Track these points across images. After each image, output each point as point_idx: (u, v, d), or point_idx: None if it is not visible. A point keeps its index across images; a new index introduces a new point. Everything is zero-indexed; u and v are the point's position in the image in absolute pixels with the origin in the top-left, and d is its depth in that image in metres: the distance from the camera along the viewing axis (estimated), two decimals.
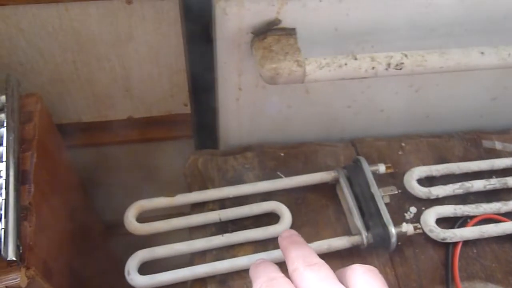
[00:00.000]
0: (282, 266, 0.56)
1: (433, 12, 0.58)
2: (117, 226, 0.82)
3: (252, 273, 0.42)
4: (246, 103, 0.64)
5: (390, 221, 0.57)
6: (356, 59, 0.53)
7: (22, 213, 0.46)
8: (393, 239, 0.56)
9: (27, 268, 0.44)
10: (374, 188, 0.60)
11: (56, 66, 0.61)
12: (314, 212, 0.63)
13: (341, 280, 0.38)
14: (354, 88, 0.66)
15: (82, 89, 0.65)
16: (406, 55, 0.54)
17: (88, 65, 0.62)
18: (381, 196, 0.59)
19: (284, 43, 0.54)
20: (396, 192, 0.61)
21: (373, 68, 0.54)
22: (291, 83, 0.53)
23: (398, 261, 0.59)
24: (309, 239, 0.58)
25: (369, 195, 0.60)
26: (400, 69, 0.54)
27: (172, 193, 0.61)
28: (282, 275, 0.40)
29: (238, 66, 0.59)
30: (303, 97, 0.65)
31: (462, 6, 0.58)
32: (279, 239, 0.44)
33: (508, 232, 0.61)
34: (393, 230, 0.56)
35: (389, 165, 0.64)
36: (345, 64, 0.53)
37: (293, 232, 0.45)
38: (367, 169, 0.61)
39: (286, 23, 0.55)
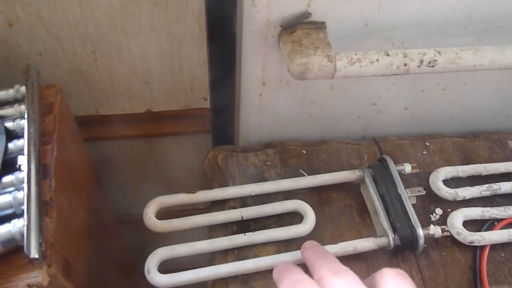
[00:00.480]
0: (305, 267, 0.55)
1: (466, 7, 0.56)
2: (132, 221, 0.81)
3: (276, 276, 0.41)
4: (269, 98, 0.63)
5: (418, 222, 0.55)
6: (388, 55, 0.51)
7: (43, 209, 0.44)
8: (421, 241, 0.55)
9: (49, 266, 0.43)
10: (401, 188, 0.58)
11: (75, 57, 0.59)
12: (337, 212, 0.61)
13: (370, 285, 0.37)
14: (380, 85, 0.64)
15: (101, 81, 0.63)
16: (439, 52, 0.52)
17: (108, 56, 0.60)
18: (408, 197, 0.58)
19: (314, 37, 0.52)
20: (424, 193, 0.59)
21: (405, 64, 0.52)
22: (321, 78, 0.51)
23: (425, 264, 0.57)
24: (332, 240, 0.57)
25: (395, 195, 0.58)
26: (433, 66, 0.53)
27: (193, 190, 0.59)
28: (307, 276, 0.39)
29: (263, 60, 0.57)
30: (327, 93, 0.64)
31: (495, 2, 0.56)
32: (302, 250, 0.44)
33: None
34: (421, 232, 0.55)
35: (415, 165, 0.62)
36: (377, 60, 0.51)
37: (315, 242, 0.45)
38: (393, 168, 0.60)
39: (316, 16, 0.53)
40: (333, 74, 0.51)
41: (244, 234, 0.56)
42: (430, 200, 0.63)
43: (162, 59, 0.62)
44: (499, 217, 0.61)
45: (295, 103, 0.65)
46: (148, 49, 0.60)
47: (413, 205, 0.60)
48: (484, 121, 0.73)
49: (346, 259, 0.57)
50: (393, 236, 0.55)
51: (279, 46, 0.54)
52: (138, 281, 0.77)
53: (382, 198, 0.58)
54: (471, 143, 0.70)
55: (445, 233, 0.57)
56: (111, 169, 0.79)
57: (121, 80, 0.64)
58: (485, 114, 0.73)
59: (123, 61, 0.61)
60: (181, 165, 0.81)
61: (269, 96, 0.62)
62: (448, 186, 0.63)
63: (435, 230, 0.56)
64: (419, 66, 0.52)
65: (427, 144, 0.69)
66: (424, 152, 0.68)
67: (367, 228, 0.60)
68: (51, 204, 0.46)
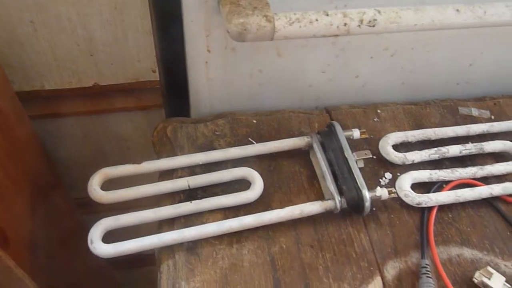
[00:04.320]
0: (253, 232, 0.54)
1: None
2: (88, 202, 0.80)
3: None
4: (216, 66, 0.62)
5: (364, 184, 0.55)
6: (327, 15, 0.51)
7: None
8: (367, 203, 0.55)
9: None
10: (347, 152, 0.58)
11: (12, 27, 0.58)
12: (287, 178, 0.61)
13: None
14: (327, 51, 0.63)
15: (43, 53, 0.61)
16: (379, 11, 0.52)
17: (48, 26, 0.58)
18: (355, 160, 0.58)
19: None
20: (370, 156, 0.59)
21: (345, 24, 0.52)
22: (260, 40, 0.51)
23: (373, 226, 0.58)
24: (281, 205, 0.57)
25: (342, 159, 0.58)
26: (373, 26, 0.52)
27: (138, 160, 0.58)
28: None
29: (206, 25, 0.56)
30: (275, 60, 0.63)
31: None
32: None
33: (483, 196, 0.60)
34: (366, 194, 0.55)
35: (364, 130, 0.62)
36: (316, 20, 0.51)
37: None
38: (341, 133, 0.60)
39: None
40: (272, 35, 0.50)
41: (191, 202, 0.55)
42: (380, 165, 0.63)
43: (105, 28, 0.60)
44: (447, 179, 0.61)
45: (244, 72, 0.64)
46: (89, 18, 0.59)
47: (362, 170, 0.61)
48: (436, 89, 0.74)
49: (295, 223, 0.56)
50: (339, 199, 0.55)
51: (219, 9, 0.53)
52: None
53: (330, 163, 0.58)
54: (422, 110, 0.71)
55: (392, 195, 0.57)
56: (64, 147, 0.78)
57: (64, 52, 0.62)
58: (437, 82, 0.73)
59: (64, 31, 0.60)
60: (136, 143, 0.80)
61: (215, 64, 0.62)
62: (399, 151, 0.63)
63: (381, 192, 0.56)
64: (359, 26, 0.52)
65: (379, 111, 0.69)
66: (375, 119, 0.68)
67: (316, 193, 0.59)
68: None
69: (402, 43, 0.65)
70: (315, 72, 0.66)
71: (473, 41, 0.68)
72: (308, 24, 0.51)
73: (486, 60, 0.71)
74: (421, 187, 0.61)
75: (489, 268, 0.53)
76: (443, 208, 0.60)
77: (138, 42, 0.63)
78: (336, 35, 0.52)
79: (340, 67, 0.66)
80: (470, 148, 0.64)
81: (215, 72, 0.63)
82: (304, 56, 0.63)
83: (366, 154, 0.59)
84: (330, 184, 0.56)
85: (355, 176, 0.56)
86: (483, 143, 0.64)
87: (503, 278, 0.52)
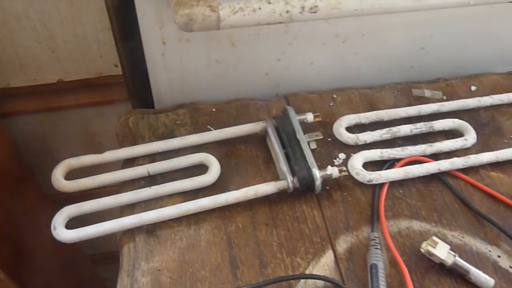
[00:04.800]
0: (211, 213, 0.57)
1: None
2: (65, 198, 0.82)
3: None
4: (173, 58, 0.64)
5: (315, 164, 0.58)
6: (270, 3, 0.54)
7: None
8: (318, 182, 0.58)
9: None
10: (300, 134, 0.61)
11: None
12: (244, 162, 0.63)
13: None
14: (280, 39, 0.66)
15: (4, 51, 0.64)
16: None
17: (7, 24, 0.61)
18: (307, 142, 0.60)
19: None
20: (321, 137, 0.62)
21: (287, 11, 0.54)
22: (207, 29, 0.53)
23: (327, 204, 0.60)
24: (237, 188, 0.59)
25: (295, 141, 0.60)
26: (315, 12, 0.55)
27: (100, 150, 0.61)
28: None
29: (158, 18, 0.59)
30: (230, 50, 0.66)
31: None
32: None
33: (432, 171, 0.63)
34: (317, 173, 0.57)
35: (318, 114, 0.65)
36: (259, 8, 0.53)
37: None
38: (294, 117, 0.62)
39: None
40: (218, 24, 0.53)
41: (150, 187, 0.58)
42: (334, 146, 0.66)
43: (64, 25, 0.63)
44: (397, 157, 0.64)
45: (201, 63, 0.66)
46: (48, 16, 0.61)
47: (316, 150, 0.64)
48: (391, 73, 0.77)
49: (251, 204, 0.59)
50: (291, 178, 0.58)
51: (168, 1, 0.56)
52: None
53: (284, 145, 0.61)
54: (377, 93, 0.73)
55: (343, 173, 0.60)
56: (35, 144, 0.80)
57: (26, 49, 0.65)
58: (391, 66, 0.76)
59: (24, 29, 0.62)
60: (107, 137, 0.83)
61: (172, 55, 0.64)
62: (353, 133, 0.66)
63: (332, 171, 0.59)
64: (301, 12, 0.55)
65: (335, 96, 0.72)
66: (331, 104, 0.71)
67: (272, 175, 0.62)
68: None
69: (352, 30, 0.68)
70: (271, 60, 0.69)
71: (421, 26, 0.71)
72: (251, 13, 0.53)
73: (437, 43, 0.74)
74: (374, 166, 0.64)
75: (435, 238, 0.55)
76: (395, 184, 0.63)
77: (98, 38, 0.65)
78: (281, 22, 0.55)
79: (294, 55, 0.69)
80: (420, 127, 0.67)
81: (173, 64, 0.65)
82: (258, 45, 0.66)
83: (317, 135, 0.62)
84: (282, 165, 0.59)
85: (306, 157, 0.59)
86: (433, 122, 0.67)
87: (448, 247, 0.55)
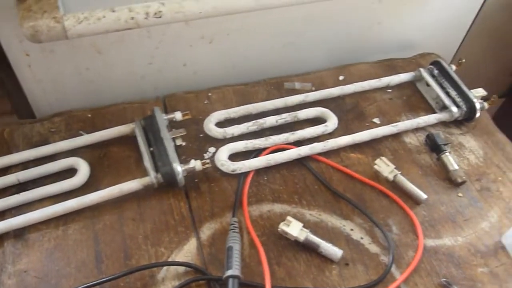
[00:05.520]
0: (80, 214, 0.59)
1: None
2: None
3: None
4: (40, 69, 0.67)
5: (176, 159, 0.62)
6: (114, 11, 0.57)
7: None
8: (180, 176, 0.61)
9: None
10: (163, 132, 0.64)
11: None
12: (116, 163, 0.66)
13: None
14: (146, 44, 0.70)
15: None
16: (163, 4, 0.59)
17: None
18: (171, 139, 0.64)
19: (44, 3, 0.57)
20: (185, 133, 0.65)
21: (132, 18, 0.58)
22: (56, 39, 0.56)
23: (194, 196, 0.64)
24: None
25: (160, 139, 0.64)
26: (160, 17, 0.59)
27: None
28: None
29: (15, 32, 0.61)
30: (97, 58, 0.69)
31: None
32: None
33: (293, 157, 0.68)
34: (178, 168, 0.61)
35: (187, 112, 0.69)
36: (104, 17, 0.57)
37: None
38: (160, 116, 0.66)
39: None
40: (65, 34, 0.56)
41: (19, 194, 0.60)
42: (206, 141, 0.70)
43: None
44: (262, 146, 0.69)
45: (70, 71, 0.69)
46: None
47: (188, 147, 0.68)
48: (266, 69, 0.81)
49: (119, 202, 0.62)
50: (155, 174, 0.61)
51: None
52: None
53: (150, 144, 0.64)
54: (251, 89, 0.78)
55: (206, 166, 0.63)
56: None
57: None
58: (266, 62, 0.81)
59: None
60: None
61: (39, 66, 0.67)
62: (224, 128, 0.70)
63: (195, 164, 0.63)
64: (146, 18, 0.58)
65: (210, 94, 0.76)
66: (205, 102, 0.75)
67: (143, 173, 0.65)
68: None
69: (215, 31, 0.72)
70: (142, 64, 0.72)
71: (284, 23, 0.76)
72: (97, 21, 0.57)
73: (304, 38, 0.79)
74: (244, 156, 0.68)
75: (289, 218, 0.60)
76: (260, 172, 0.67)
77: None
78: (129, 29, 0.58)
79: (165, 58, 0.73)
80: (285, 117, 0.72)
81: (42, 74, 0.68)
82: (125, 50, 0.69)
83: (181, 132, 0.66)
84: (146, 162, 0.62)
85: (169, 153, 0.62)
86: (297, 112, 0.73)
87: (301, 224, 0.59)
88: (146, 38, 0.68)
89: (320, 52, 0.83)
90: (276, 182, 0.66)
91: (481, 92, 0.76)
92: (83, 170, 0.63)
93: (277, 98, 0.76)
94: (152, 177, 0.61)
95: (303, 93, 0.77)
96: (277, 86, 0.79)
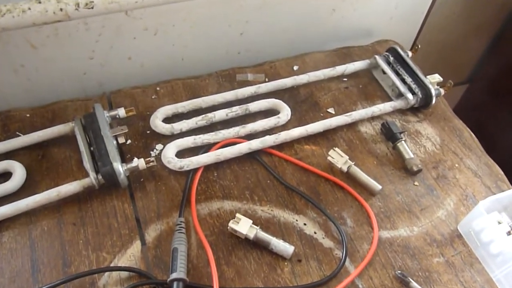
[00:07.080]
0: (15, 220, 0.55)
1: None
2: None
3: None
4: None
5: (117, 158, 0.58)
6: (40, 2, 0.53)
7: None
8: (122, 176, 0.58)
9: None
10: (104, 130, 0.61)
11: None
12: (55, 165, 0.63)
13: None
14: (85, 37, 0.66)
15: None
16: None
17: None
18: (112, 137, 0.61)
19: None
20: (127, 130, 0.62)
21: (61, 9, 0.54)
22: None
23: (139, 196, 0.61)
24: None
25: (100, 138, 0.60)
26: (92, 8, 0.55)
27: None
28: None
29: None
30: (33, 54, 0.65)
31: None
32: None
33: (243, 151, 0.65)
34: (119, 167, 0.58)
35: (131, 108, 0.65)
36: (29, 9, 0.53)
37: None
38: (100, 113, 0.62)
39: None
40: None
41: None
42: (153, 138, 0.67)
43: None
44: (212, 141, 0.66)
45: (5, 69, 0.65)
46: None
47: (133, 144, 0.65)
48: (217, 61, 0.78)
49: (59, 206, 0.59)
50: (95, 175, 0.58)
51: None
52: None
53: (90, 143, 0.61)
54: (201, 82, 0.75)
55: (151, 164, 0.60)
56: None
57: None
58: (217, 54, 0.78)
59: None
60: None
61: None
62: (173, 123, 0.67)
63: (138, 162, 0.60)
64: (77, 9, 0.55)
65: (158, 89, 0.73)
66: (153, 97, 0.72)
67: (85, 174, 0.62)
68: None
69: (159, 22, 0.68)
70: (83, 59, 0.69)
71: (232, 12, 0.73)
72: (21, 14, 0.53)
73: (254, 28, 0.76)
74: (192, 152, 0.65)
75: (238, 215, 0.57)
76: (210, 168, 0.64)
77: None
78: (59, 21, 0.55)
79: (106, 52, 0.69)
80: (236, 110, 0.69)
81: None
82: (62, 45, 0.65)
83: (122, 129, 0.62)
84: (86, 163, 0.59)
85: (109, 152, 0.59)
86: (248, 104, 0.70)
87: (250, 221, 0.57)
88: (84, 31, 0.64)
89: (275, 42, 0.80)
90: (226, 178, 0.64)
91: (437, 78, 0.75)
92: (19, 173, 0.59)
93: (229, 91, 0.73)
94: (92, 178, 0.58)
95: (255, 84, 0.74)
96: (229, 78, 0.76)
